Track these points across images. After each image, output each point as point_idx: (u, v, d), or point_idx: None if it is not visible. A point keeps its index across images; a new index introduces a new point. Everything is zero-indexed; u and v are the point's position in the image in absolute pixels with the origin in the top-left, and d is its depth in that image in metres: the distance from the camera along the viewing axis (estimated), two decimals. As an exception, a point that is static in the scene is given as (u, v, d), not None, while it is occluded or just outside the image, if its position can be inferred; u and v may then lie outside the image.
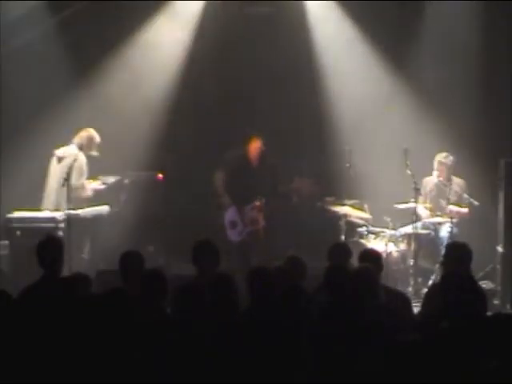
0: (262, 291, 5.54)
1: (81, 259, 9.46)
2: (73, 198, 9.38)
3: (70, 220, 9.13)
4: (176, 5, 10.92)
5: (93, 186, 9.85)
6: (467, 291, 5.01)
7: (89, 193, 9.76)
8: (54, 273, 6.25)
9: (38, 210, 9.64)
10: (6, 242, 9.41)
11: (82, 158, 9.66)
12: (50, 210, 9.54)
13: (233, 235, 9.92)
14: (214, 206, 10.29)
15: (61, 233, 9.05)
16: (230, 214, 9.97)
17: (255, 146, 9.92)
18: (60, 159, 9.71)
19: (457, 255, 6.24)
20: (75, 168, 9.52)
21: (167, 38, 10.94)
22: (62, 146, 9.81)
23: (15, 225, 9.33)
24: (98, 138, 9.85)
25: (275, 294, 5.44)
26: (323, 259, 6.74)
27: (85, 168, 9.70)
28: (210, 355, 4.90)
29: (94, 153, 9.79)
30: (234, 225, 9.92)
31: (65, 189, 9.25)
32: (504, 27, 10.41)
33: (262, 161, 9.96)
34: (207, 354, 4.90)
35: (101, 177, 10.08)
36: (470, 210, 9.93)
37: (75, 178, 9.53)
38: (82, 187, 9.66)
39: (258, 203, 9.84)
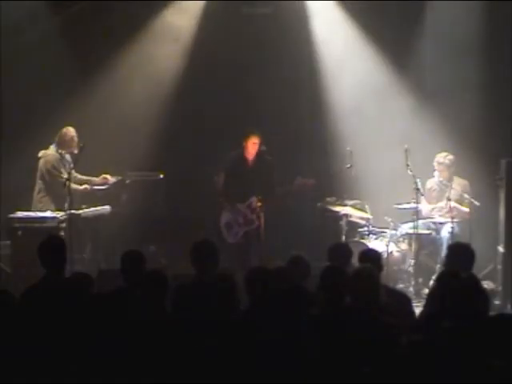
0: (260, 291, 5.54)
1: (82, 259, 9.49)
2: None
3: (71, 220, 9.14)
4: (177, 5, 10.93)
5: (79, 187, 9.86)
6: (470, 291, 5.01)
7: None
8: (56, 273, 6.26)
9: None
10: (8, 242, 9.44)
11: (47, 158, 9.75)
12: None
13: (229, 237, 9.87)
14: (216, 205, 10.30)
15: (62, 232, 9.06)
16: (224, 217, 9.93)
17: (252, 143, 9.82)
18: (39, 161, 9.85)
19: (460, 256, 6.24)
20: (39, 169, 9.71)
21: (168, 39, 10.95)
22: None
23: (17, 225, 9.33)
24: (69, 135, 9.80)
25: (275, 294, 5.44)
26: (324, 259, 6.75)
27: (50, 166, 9.72)
28: (210, 355, 4.90)
29: (74, 150, 9.72)
30: (229, 227, 9.89)
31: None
32: (505, 26, 10.40)
33: (258, 159, 9.88)
34: (207, 353, 4.90)
35: (104, 175, 10.13)
36: (470, 210, 9.94)
37: (38, 178, 9.70)
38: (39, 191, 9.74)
39: (252, 203, 9.77)
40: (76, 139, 9.73)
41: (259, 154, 9.87)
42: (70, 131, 9.81)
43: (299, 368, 4.83)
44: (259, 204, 9.70)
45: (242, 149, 9.92)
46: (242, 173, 9.84)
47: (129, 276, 6.14)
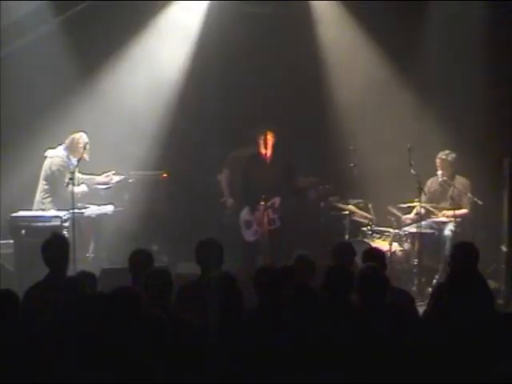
0: (268, 291, 5.54)
1: (85, 258, 9.49)
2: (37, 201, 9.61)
3: (74, 219, 9.14)
4: (179, 5, 10.92)
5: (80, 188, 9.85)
6: (474, 290, 5.01)
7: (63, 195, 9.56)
8: (59, 271, 6.27)
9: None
10: (11, 241, 9.43)
11: (54, 160, 9.70)
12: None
13: (248, 235, 9.79)
14: (219, 204, 10.29)
15: (65, 232, 9.05)
16: (244, 214, 9.86)
17: (269, 139, 9.67)
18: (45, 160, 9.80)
19: (464, 255, 6.24)
20: (44, 169, 9.67)
21: (171, 38, 10.95)
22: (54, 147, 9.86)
23: (20, 223, 9.33)
24: (83, 142, 9.71)
25: (282, 294, 5.44)
26: (327, 258, 6.76)
27: (55, 169, 9.67)
28: (213, 354, 4.90)
29: (85, 156, 9.63)
30: (249, 224, 9.82)
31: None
32: (507, 25, 10.40)
33: (276, 157, 9.77)
34: (209, 353, 4.90)
35: (108, 173, 10.12)
36: (473, 210, 9.95)
37: (42, 179, 9.65)
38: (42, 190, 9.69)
39: (275, 202, 9.65)
40: (88, 146, 9.65)
41: (277, 150, 9.77)
42: (84, 138, 9.72)
43: (304, 367, 4.84)
44: (264, 204, 9.61)
45: (256, 146, 9.81)
46: (261, 171, 9.71)
47: (137, 276, 6.13)
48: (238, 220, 9.86)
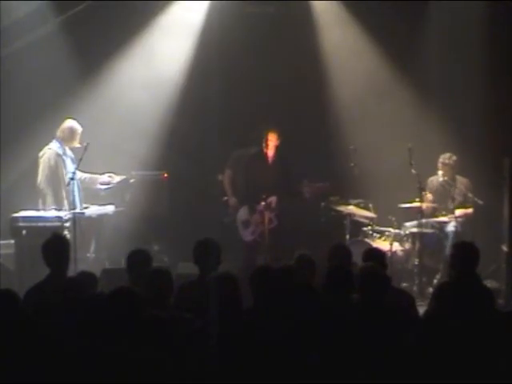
0: (264, 290, 5.54)
1: (86, 258, 9.49)
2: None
3: (75, 219, 9.14)
4: (180, 5, 10.93)
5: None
6: (475, 290, 5.02)
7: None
8: (59, 272, 6.27)
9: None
10: (12, 241, 9.43)
11: (47, 155, 9.63)
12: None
13: (245, 235, 9.80)
14: (219, 204, 10.29)
15: (66, 232, 9.05)
16: (241, 214, 9.88)
17: (273, 139, 9.67)
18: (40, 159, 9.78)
19: (464, 255, 6.24)
20: (41, 167, 9.62)
21: (172, 38, 10.95)
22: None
23: (21, 224, 9.32)
24: (77, 129, 9.70)
25: (280, 293, 5.44)
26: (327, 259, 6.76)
27: (46, 165, 9.62)
28: (212, 354, 4.90)
29: (77, 144, 9.60)
30: (246, 224, 9.82)
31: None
32: (506, 25, 10.39)
33: (277, 156, 9.75)
34: (209, 352, 4.91)
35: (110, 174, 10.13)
36: (474, 209, 9.96)
37: (38, 180, 9.63)
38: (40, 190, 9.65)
39: (272, 202, 9.64)
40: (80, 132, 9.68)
41: (278, 151, 9.76)
42: (78, 125, 9.71)
43: (304, 367, 4.84)
44: (264, 203, 9.61)
45: (260, 146, 9.80)
46: (261, 172, 9.71)
47: (135, 274, 6.13)
48: (234, 220, 9.87)
